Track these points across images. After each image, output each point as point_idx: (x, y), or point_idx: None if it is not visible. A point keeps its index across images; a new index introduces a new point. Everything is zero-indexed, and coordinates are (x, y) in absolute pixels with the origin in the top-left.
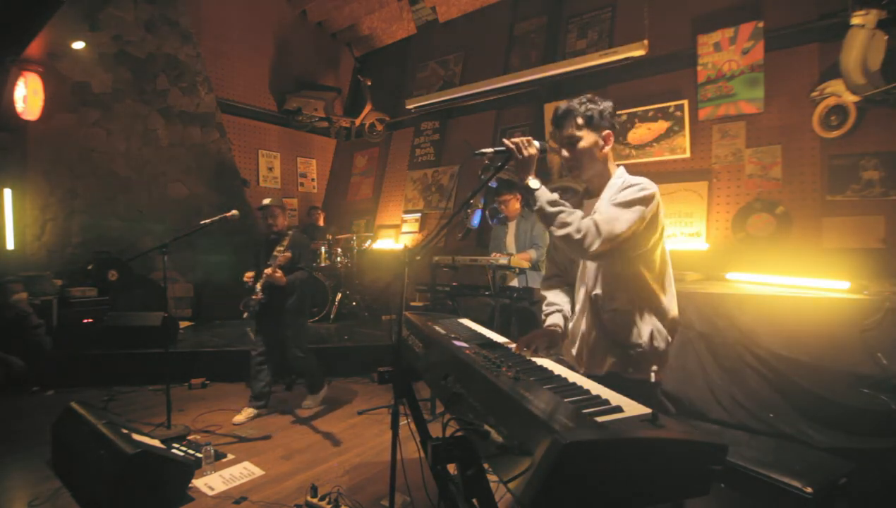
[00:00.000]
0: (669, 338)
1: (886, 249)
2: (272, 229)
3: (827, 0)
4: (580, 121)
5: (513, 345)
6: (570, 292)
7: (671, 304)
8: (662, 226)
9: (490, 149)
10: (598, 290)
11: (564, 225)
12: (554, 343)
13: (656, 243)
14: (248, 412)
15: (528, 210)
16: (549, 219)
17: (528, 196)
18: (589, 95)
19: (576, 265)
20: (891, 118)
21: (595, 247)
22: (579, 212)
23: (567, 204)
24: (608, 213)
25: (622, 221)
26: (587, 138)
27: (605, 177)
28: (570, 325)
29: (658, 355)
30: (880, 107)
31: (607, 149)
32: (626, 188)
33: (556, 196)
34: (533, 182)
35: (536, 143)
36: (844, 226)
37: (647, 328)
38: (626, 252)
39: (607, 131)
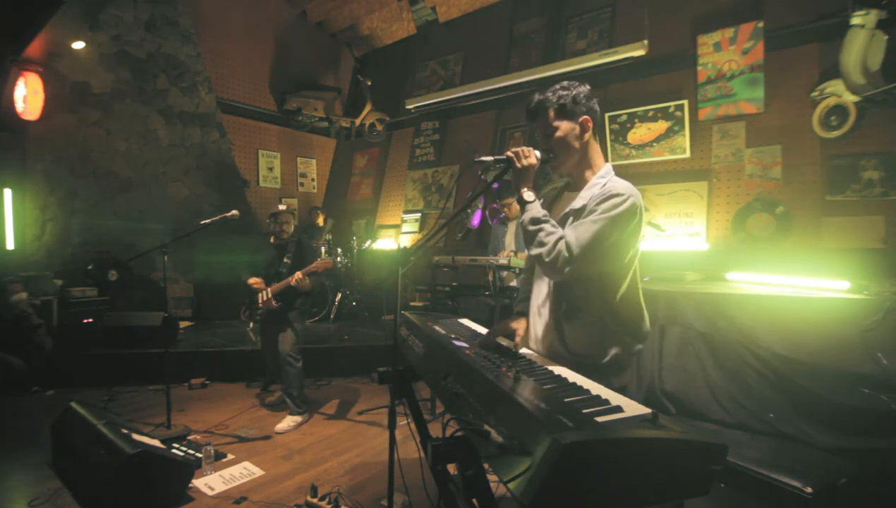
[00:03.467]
0: (641, 346)
1: (886, 249)
2: (280, 236)
3: (827, 0)
4: (552, 112)
5: (505, 342)
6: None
7: (641, 316)
8: (642, 237)
9: (490, 157)
10: (561, 294)
11: (540, 244)
12: (510, 336)
13: (633, 257)
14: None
15: None
16: (527, 238)
17: (521, 206)
18: (563, 83)
19: None
20: (891, 118)
21: (566, 270)
22: (558, 233)
23: (550, 221)
24: (583, 234)
25: (596, 242)
26: (563, 128)
27: (586, 168)
28: (530, 319)
29: (619, 366)
30: (880, 107)
31: (587, 136)
32: (605, 200)
33: (542, 214)
34: (527, 194)
35: (537, 153)
36: (844, 225)
37: (611, 344)
38: (602, 266)
39: (584, 117)
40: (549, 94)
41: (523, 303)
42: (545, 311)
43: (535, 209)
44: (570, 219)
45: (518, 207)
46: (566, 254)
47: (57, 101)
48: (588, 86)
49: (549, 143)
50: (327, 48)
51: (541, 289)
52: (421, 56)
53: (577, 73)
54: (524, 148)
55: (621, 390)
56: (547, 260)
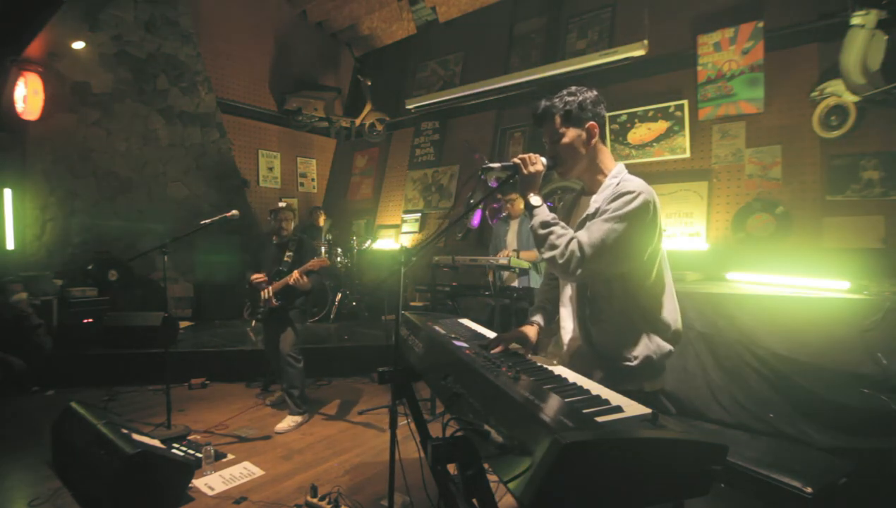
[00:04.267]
0: (672, 349)
1: (886, 249)
2: (281, 233)
3: (827, 0)
4: (559, 118)
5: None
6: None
7: (672, 316)
8: (660, 235)
9: (497, 164)
10: (584, 297)
11: (552, 247)
12: (523, 342)
13: (653, 254)
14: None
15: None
16: (538, 241)
17: (528, 211)
18: (570, 88)
19: None
20: (891, 118)
21: (579, 271)
22: (569, 234)
23: (559, 223)
24: (595, 233)
25: (608, 241)
26: (569, 134)
27: (597, 172)
28: (561, 327)
29: (653, 369)
30: (880, 107)
31: (594, 141)
32: (616, 198)
33: (551, 217)
34: (534, 199)
35: (543, 159)
36: (844, 226)
37: (640, 345)
38: (618, 265)
39: (591, 123)
40: (556, 100)
41: (538, 314)
42: (571, 315)
43: (544, 213)
44: (587, 223)
45: (520, 204)
46: (578, 255)
47: (57, 101)
48: (595, 92)
49: (556, 149)
50: (327, 48)
51: (566, 294)
52: (421, 56)
53: (577, 72)
54: (531, 154)
55: (654, 395)
56: (560, 261)
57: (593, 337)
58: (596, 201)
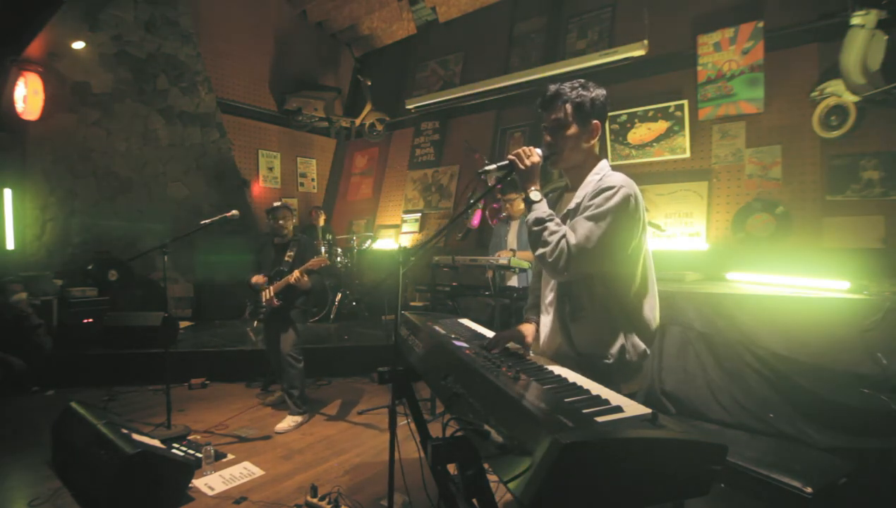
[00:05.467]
0: (647, 352)
1: (886, 249)
2: (279, 232)
3: (827, 0)
4: (569, 107)
5: (513, 347)
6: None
7: (651, 314)
8: (644, 229)
9: (493, 166)
10: (565, 295)
11: (544, 244)
12: (521, 340)
13: (636, 248)
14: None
15: None
16: (532, 238)
17: (528, 207)
18: (582, 81)
19: None
20: (891, 118)
21: (568, 270)
22: (561, 231)
23: (553, 220)
24: (579, 231)
25: (592, 238)
26: (575, 126)
27: (585, 169)
28: (541, 326)
29: (629, 370)
30: (880, 107)
31: (594, 141)
32: (597, 194)
33: (547, 213)
34: (534, 194)
35: (538, 151)
36: (844, 225)
37: (618, 341)
38: (603, 261)
39: (595, 122)
40: (569, 90)
41: (532, 310)
42: (552, 313)
43: (541, 209)
44: (568, 220)
45: (519, 205)
46: (567, 253)
47: (57, 101)
48: (604, 91)
49: (558, 136)
50: (327, 48)
51: (547, 292)
52: (421, 56)
53: (577, 73)
54: (525, 148)
55: (630, 398)
56: (550, 259)
57: (573, 336)
58: (577, 197)
